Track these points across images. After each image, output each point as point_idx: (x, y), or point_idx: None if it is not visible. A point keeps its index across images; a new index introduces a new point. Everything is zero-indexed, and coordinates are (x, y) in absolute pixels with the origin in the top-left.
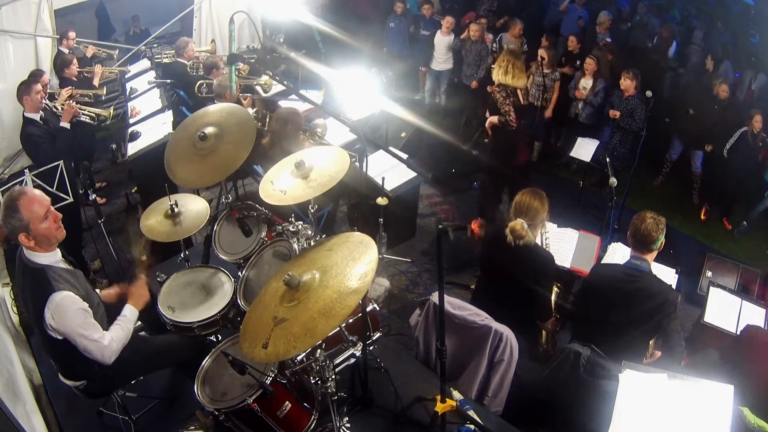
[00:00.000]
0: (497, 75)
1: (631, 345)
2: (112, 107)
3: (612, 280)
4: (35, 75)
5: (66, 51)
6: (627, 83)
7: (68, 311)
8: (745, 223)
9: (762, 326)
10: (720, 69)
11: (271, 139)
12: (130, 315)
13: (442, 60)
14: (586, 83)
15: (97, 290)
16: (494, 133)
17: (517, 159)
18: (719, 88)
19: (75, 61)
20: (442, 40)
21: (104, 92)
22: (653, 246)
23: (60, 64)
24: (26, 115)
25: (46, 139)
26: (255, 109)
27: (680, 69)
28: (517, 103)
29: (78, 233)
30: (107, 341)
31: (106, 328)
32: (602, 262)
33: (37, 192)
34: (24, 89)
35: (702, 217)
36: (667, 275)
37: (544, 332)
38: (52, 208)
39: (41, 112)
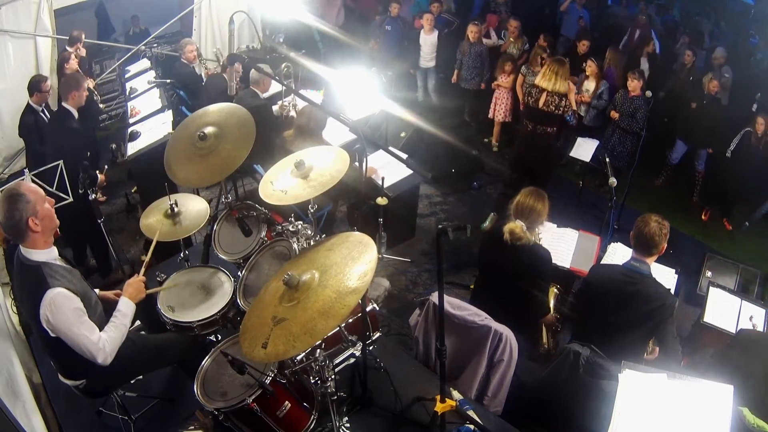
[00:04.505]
0: (540, 81)
1: (630, 346)
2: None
3: (611, 281)
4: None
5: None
6: (634, 84)
7: (63, 308)
8: (747, 224)
9: (762, 326)
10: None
11: (295, 132)
12: (125, 309)
13: (428, 58)
14: (588, 86)
15: (96, 290)
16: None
17: (544, 165)
18: (710, 84)
19: (73, 57)
20: (427, 39)
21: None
22: (655, 250)
23: (60, 60)
24: (31, 104)
25: (46, 129)
26: (290, 97)
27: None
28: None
29: (86, 231)
30: (102, 343)
31: (104, 328)
32: (602, 262)
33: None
34: (35, 84)
35: (703, 217)
36: (667, 275)
37: (545, 330)
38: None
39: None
